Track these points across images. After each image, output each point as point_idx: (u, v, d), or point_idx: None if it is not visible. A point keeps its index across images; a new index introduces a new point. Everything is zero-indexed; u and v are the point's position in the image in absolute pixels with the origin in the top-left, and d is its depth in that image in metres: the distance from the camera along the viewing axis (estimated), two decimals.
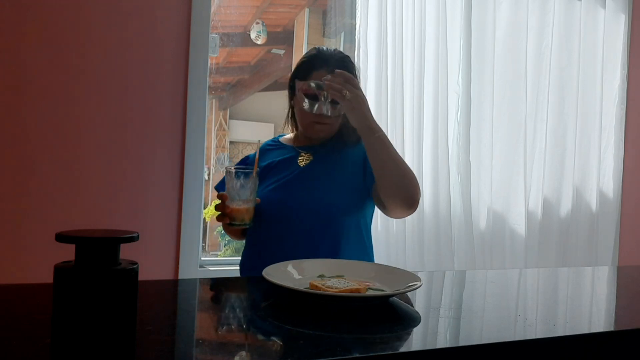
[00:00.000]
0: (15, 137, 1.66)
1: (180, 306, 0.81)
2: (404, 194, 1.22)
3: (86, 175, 1.74)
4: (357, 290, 0.78)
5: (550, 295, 1.03)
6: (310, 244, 1.25)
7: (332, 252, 1.24)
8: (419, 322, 0.73)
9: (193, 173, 1.87)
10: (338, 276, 0.88)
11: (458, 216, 2.16)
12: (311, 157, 1.36)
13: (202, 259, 1.98)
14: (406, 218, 2.06)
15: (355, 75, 1.31)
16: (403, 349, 0.59)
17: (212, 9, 1.93)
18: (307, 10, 3.07)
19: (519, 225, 2.27)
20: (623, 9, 2.55)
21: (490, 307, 0.86)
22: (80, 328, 0.53)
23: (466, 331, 0.72)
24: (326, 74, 1.26)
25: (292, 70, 1.39)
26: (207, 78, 1.90)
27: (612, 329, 0.78)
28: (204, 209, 1.97)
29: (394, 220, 2.05)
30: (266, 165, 1.37)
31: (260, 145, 1.48)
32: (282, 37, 3.51)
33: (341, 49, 1.38)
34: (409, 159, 2.04)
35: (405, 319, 0.75)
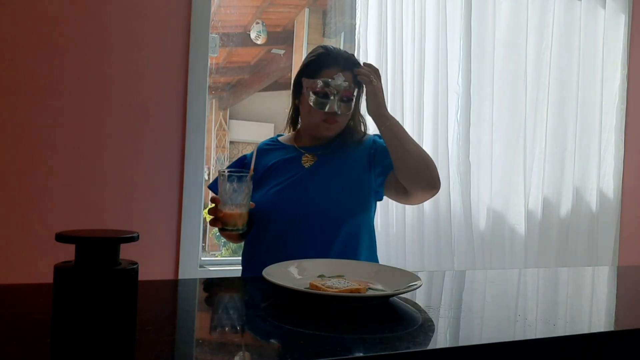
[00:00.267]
0: (15, 137, 1.66)
1: (180, 306, 0.81)
2: (425, 176, 1.26)
3: (86, 175, 1.73)
4: (357, 290, 0.78)
5: (550, 295, 1.03)
6: (322, 245, 1.24)
7: (344, 253, 1.24)
8: (419, 322, 0.73)
9: (193, 173, 1.87)
10: (338, 276, 0.88)
11: (458, 216, 2.16)
12: (315, 158, 1.35)
13: (202, 259, 1.98)
14: (406, 218, 2.06)
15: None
16: (403, 349, 0.59)
17: (212, 9, 1.93)
18: (307, 10, 3.07)
19: (519, 225, 2.27)
20: (623, 9, 2.55)
21: (490, 307, 0.86)
22: (80, 328, 0.53)
23: (466, 331, 0.72)
24: (336, 72, 1.28)
25: (299, 68, 1.37)
26: (207, 78, 1.90)
27: (612, 329, 0.78)
28: (204, 209, 1.97)
29: (394, 220, 2.05)
30: (269, 165, 1.36)
31: (257, 145, 1.47)
32: (282, 37, 3.51)
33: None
34: None
35: (405, 319, 0.75)
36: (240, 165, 1.42)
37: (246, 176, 1.13)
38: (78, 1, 1.72)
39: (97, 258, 0.54)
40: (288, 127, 1.46)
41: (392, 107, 2.03)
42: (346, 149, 1.36)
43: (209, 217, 1.18)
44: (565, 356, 0.68)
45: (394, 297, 0.82)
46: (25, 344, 0.56)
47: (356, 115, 1.39)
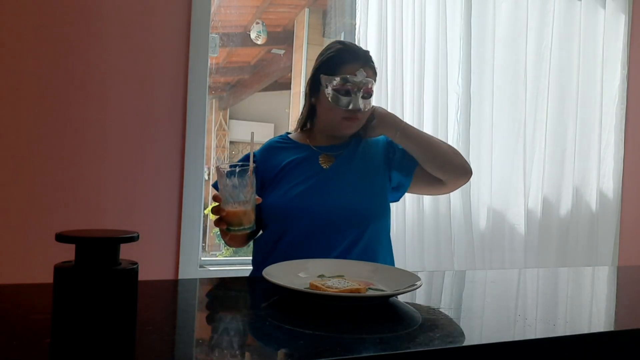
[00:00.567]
0: (15, 137, 1.66)
1: (180, 306, 0.81)
2: (456, 162, 1.31)
3: (86, 175, 1.73)
4: (357, 290, 0.78)
5: (550, 295, 1.03)
6: (345, 247, 1.21)
7: (366, 255, 1.22)
8: (419, 322, 0.73)
9: (193, 173, 1.87)
10: (338, 276, 0.88)
11: (458, 216, 2.16)
12: (333, 159, 1.31)
13: (202, 259, 1.98)
14: (406, 218, 2.06)
15: (376, 71, 1.35)
16: (403, 349, 0.59)
17: (212, 9, 1.93)
18: (307, 10, 3.07)
19: (519, 225, 2.27)
20: (623, 9, 2.55)
21: (490, 307, 0.86)
22: (80, 328, 0.53)
23: (466, 331, 0.72)
24: (357, 68, 1.26)
25: (316, 65, 1.33)
26: (207, 78, 1.90)
27: (612, 329, 0.78)
28: (204, 209, 1.97)
29: (394, 220, 2.05)
30: (283, 164, 1.31)
31: (267, 141, 1.42)
32: (282, 37, 3.52)
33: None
34: None
35: (405, 319, 0.75)
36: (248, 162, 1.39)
37: (247, 170, 1.04)
38: (78, 1, 1.72)
39: (97, 258, 0.54)
40: (299, 126, 1.41)
41: (392, 107, 2.04)
42: (362, 148, 1.34)
43: (213, 217, 1.10)
44: (565, 356, 0.68)
45: (394, 297, 0.82)
46: (25, 344, 0.56)
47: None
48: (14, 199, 1.66)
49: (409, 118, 2.08)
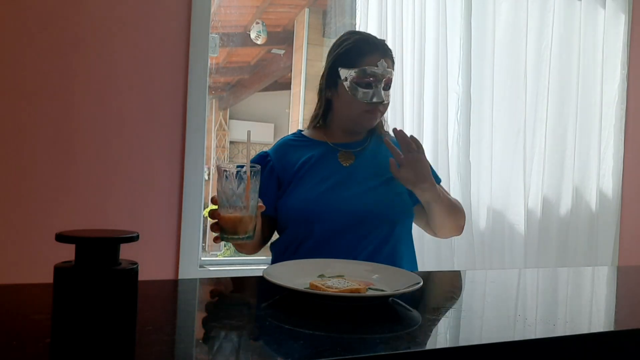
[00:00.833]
0: (15, 137, 1.66)
1: (180, 306, 0.81)
2: (454, 225, 1.29)
3: (86, 175, 1.73)
4: (357, 290, 0.77)
5: (550, 295, 1.03)
6: (373, 249, 1.17)
7: (394, 257, 1.19)
8: (419, 322, 0.72)
9: (193, 173, 1.87)
10: (338, 276, 0.88)
11: None
12: (352, 156, 1.27)
13: (202, 259, 1.98)
14: None
15: (394, 60, 1.30)
16: (403, 349, 0.59)
17: (212, 9, 1.93)
18: (307, 10, 3.07)
19: (519, 225, 2.27)
20: (623, 9, 2.55)
21: (490, 307, 0.86)
22: (80, 328, 0.53)
23: (466, 331, 0.72)
24: (378, 59, 1.21)
25: (332, 58, 1.26)
26: (207, 78, 1.90)
27: (612, 329, 0.78)
28: (204, 209, 1.97)
29: None
30: (300, 162, 1.25)
31: (280, 140, 1.36)
32: (282, 37, 3.52)
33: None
34: None
35: (405, 319, 0.75)
36: (262, 163, 1.26)
37: (251, 171, 0.93)
38: (78, 1, 1.72)
39: (97, 258, 0.54)
40: (313, 123, 1.35)
41: (392, 107, 2.03)
42: (379, 145, 1.29)
43: (210, 220, 1.00)
44: (565, 356, 0.68)
45: (394, 297, 0.82)
46: (25, 344, 0.56)
47: None
48: (14, 199, 1.66)
49: (409, 118, 2.08)
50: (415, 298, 0.86)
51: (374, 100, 1.21)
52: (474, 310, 0.84)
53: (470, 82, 2.22)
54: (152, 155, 1.82)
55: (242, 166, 0.93)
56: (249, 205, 0.93)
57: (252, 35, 3.30)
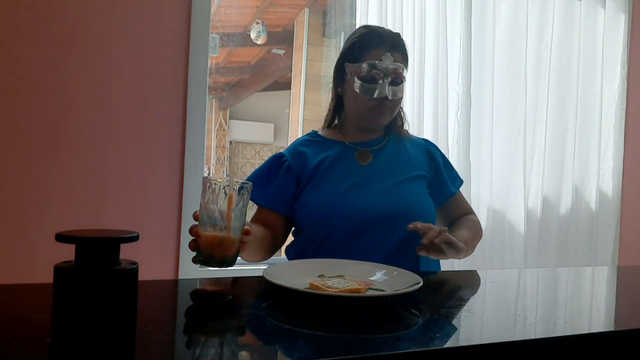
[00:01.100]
0: (15, 137, 1.66)
1: (180, 306, 0.81)
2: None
3: (86, 175, 1.73)
4: (357, 290, 0.77)
5: (550, 295, 1.03)
6: (395, 249, 1.14)
7: (418, 259, 1.16)
8: (419, 322, 0.72)
9: (193, 173, 1.87)
10: (338, 276, 0.88)
11: None
12: (370, 154, 1.23)
13: None
14: None
15: (407, 55, 1.25)
16: (403, 349, 0.59)
17: (212, 9, 1.93)
18: (307, 10, 3.08)
19: (519, 225, 2.27)
20: (623, 9, 2.55)
21: (490, 307, 0.86)
22: (80, 328, 0.53)
23: (466, 331, 0.72)
24: (383, 52, 1.16)
25: (340, 53, 1.24)
26: (207, 78, 1.90)
27: (612, 329, 0.77)
28: None
29: None
30: (316, 162, 1.21)
31: (295, 141, 1.31)
32: (282, 37, 3.52)
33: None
34: None
35: (405, 319, 0.75)
36: (276, 166, 1.23)
37: (239, 187, 0.82)
38: (78, 1, 1.72)
39: (97, 258, 0.54)
40: (327, 122, 1.32)
41: None
42: (398, 143, 1.27)
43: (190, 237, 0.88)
44: (565, 356, 0.68)
45: (394, 297, 0.82)
46: (25, 344, 0.56)
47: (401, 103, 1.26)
48: (14, 199, 1.66)
49: (409, 118, 2.07)
50: (415, 298, 0.86)
51: (377, 95, 1.17)
52: (474, 310, 0.84)
53: (470, 82, 2.22)
54: (152, 155, 1.82)
55: (242, 183, 0.84)
56: (231, 225, 0.82)
57: (252, 35, 3.30)
